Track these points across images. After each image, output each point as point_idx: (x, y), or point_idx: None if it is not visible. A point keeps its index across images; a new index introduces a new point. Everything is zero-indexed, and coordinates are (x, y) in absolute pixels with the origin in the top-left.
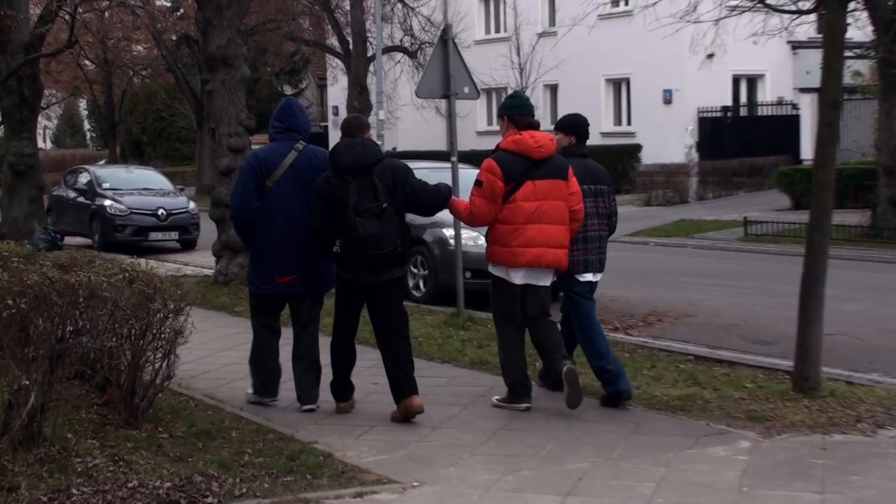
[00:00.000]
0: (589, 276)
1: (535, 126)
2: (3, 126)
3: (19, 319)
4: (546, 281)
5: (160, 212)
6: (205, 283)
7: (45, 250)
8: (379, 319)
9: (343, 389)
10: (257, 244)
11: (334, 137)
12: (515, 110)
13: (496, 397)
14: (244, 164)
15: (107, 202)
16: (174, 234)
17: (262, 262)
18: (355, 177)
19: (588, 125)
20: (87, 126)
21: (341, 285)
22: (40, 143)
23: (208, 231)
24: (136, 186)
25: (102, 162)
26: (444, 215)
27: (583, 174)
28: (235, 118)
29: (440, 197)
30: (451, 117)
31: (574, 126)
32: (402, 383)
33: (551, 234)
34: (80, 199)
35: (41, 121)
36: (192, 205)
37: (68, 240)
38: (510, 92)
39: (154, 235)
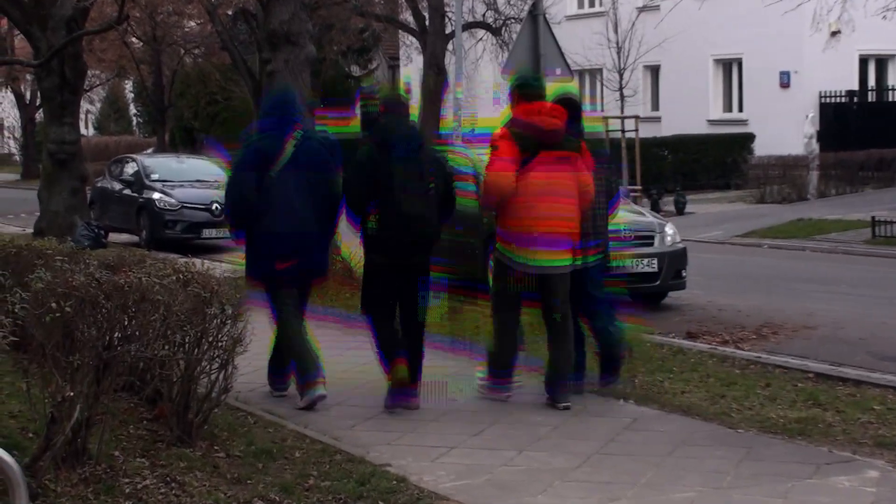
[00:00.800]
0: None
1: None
2: (42, 110)
3: (63, 324)
4: (562, 268)
5: (214, 206)
6: None
7: (89, 248)
8: (406, 303)
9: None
10: (258, 232)
11: None
12: (527, 88)
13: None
14: (242, 154)
15: (155, 195)
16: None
17: (262, 248)
18: (400, 154)
19: (578, 103)
20: (132, 110)
21: (370, 272)
22: (82, 130)
23: None
24: (187, 178)
25: (150, 150)
26: None
27: None
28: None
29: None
30: None
31: (563, 104)
32: (413, 371)
33: (562, 207)
34: (126, 191)
35: (83, 104)
36: None
37: (112, 236)
38: (604, 73)
39: (208, 232)
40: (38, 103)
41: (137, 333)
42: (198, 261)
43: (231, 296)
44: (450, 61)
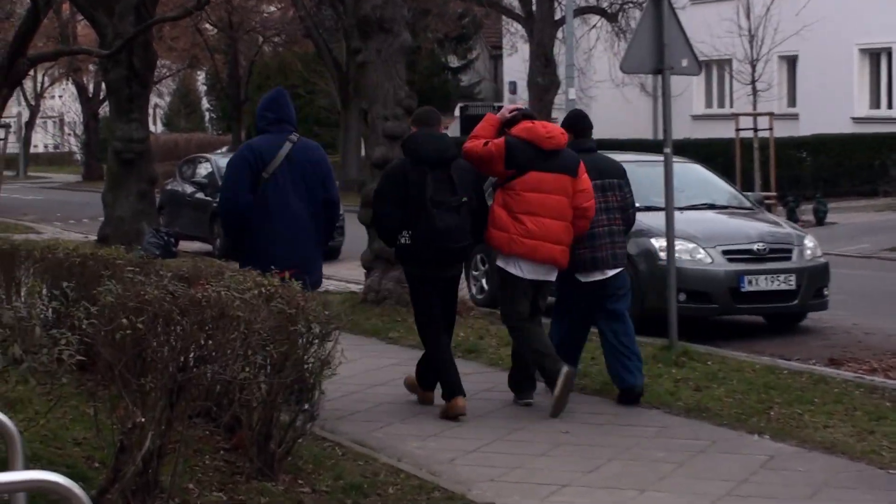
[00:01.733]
0: (597, 275)
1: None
2: (107, 105)
3: (134, 343)
4: (551, 275)
5: None
6: (351, 301)
7: (158, 257)
8: (444, 313)
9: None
10: (253, 239)
11: None
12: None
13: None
14: (236, 155)
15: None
16: None
17: (258, 256)
18: (432, 168)
19: (585, 118)
20: (205, 105)
21: (414, 282)
22: (150, 126)
23: (355, 237)
24: None
25: (224, 149)
26: (652, 220)
27: (589, 169)
28: (393, 97)
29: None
30: (664, 97)
31: (569, 122)
32: (454, 382)
33: (550, 229)
34: (199, 195)
35: (151, 98)
36: None
37: (183, 244)
38: (734, 64)
39: None
40: (102, 97)
41: (215, 354)
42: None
43: (319, 313)
44: (559, 51)
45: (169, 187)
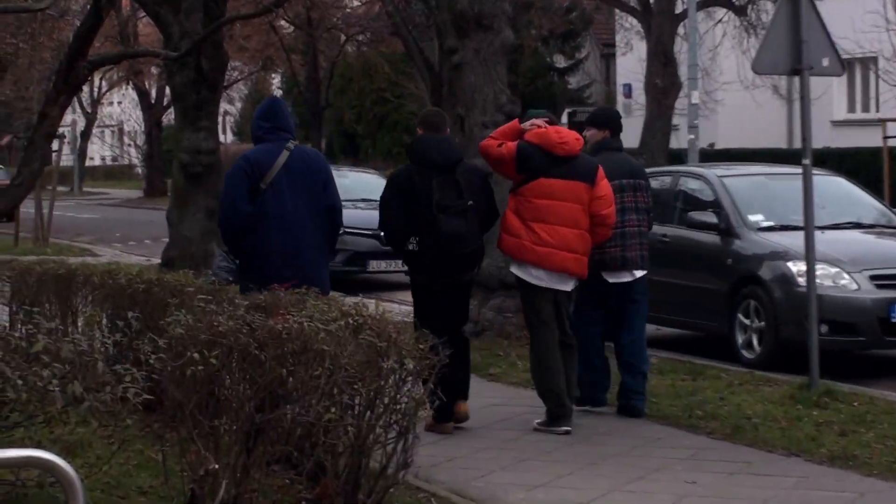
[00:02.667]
0: (626, 276)
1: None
2: (172, 112)
3: (207, 380)
4: (565, 285)
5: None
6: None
7: (231, 284)
8: (453, 321)
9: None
10: (252, 250)
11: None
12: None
13: (537, 421)
14: (233, 167)
15: None
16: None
17: (258, 268)
18: (438, 173)
19: (620, 118)
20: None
21: (417, 291)
22: (220, 136)
23: None
24: (350, 196)
25: None
26: (790, 240)
27: (620, 169)
28: (493, 102)
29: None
30: (802, 101)
31: (606, 119)
32: (455, 385)
33: (561, 236)
34: None
35: (221, 104)
36: None
37: None
38: (880, 63)
39: (376, 264)
40: (166, 103)
41: (297, 392)
42: (371, 302)
43: (412, 346)
44: (680, 49)
45: None
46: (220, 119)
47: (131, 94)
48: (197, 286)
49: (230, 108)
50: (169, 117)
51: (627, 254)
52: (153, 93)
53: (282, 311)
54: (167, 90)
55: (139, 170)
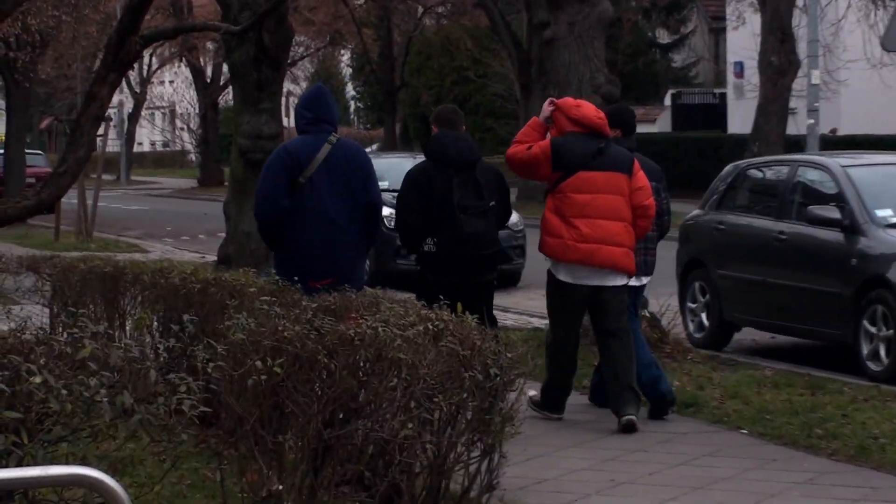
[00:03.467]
0: (633, 281)
1: None
2: (230, 92)
3: (270, 391)
4: (615, 280)
5: None
6: (536, 340)
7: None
8: None
9: None
10: (287, 245)
11: (737, 109)
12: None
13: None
14: (271, 159)
15: (386, 210)
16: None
17: (293, 263)
18: (457, 172)
19: (634, 116)
20: (350, 92)
21: (428, 293)
22: (283, 119)
23: (538, 258)
24: None
25: (374, 147)
26: None
27: None
28: (589, 82)
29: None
30: None
31: (618, 118)
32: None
33: (607, 230)
34: None
35: (285, 84)
36: (513, 217)
37: None
38: None
39: None
40: (223, 82)
41: (370, 406)
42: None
43: (499, 355)
44: (799, 23)
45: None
46: (283, 100)
47: (185, 72)
48: (258, 286)
49: (294, 89)
50: (227, 98)
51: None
52: (209, 71)
53: (353, 314)
54: (224, 68)
55: (193, 157)
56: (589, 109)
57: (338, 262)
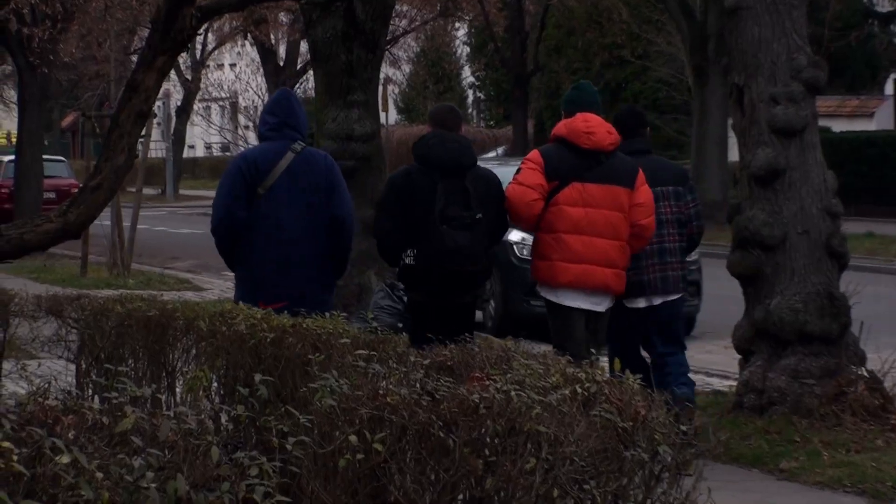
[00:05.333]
0: (641, 302)
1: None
2: (311, 79)
3: (370, 475)
4: (600, 305)
5: None
6: (718, 406)
7: (401, 332)
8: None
9: None
10: (243, 262)
11: None
12: (570, 105)
13: None
14: (230, 166)
15: (513, 235)
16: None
17: (246, 284)
18: (444, 177)
19: (639, 116)
20: (467, 78)
21: (416, 311)
22: (380, 115)
23: (721, 297)
24: None
25: (500, 150)
26: None
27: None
28: (787, 64)
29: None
30: None
31: (616, 120)
32: None
33: (599, 249)
34: None
35: (383, 69)
36: None
37: None
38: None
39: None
40: (301, 66)
41: (501, 494)
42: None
43: (669, 430)
44: None
45: None
46: (379, 89)
47: (250, 52)
48: (352, 335)
49: (395, 75)
50: (306, 87)
51: (643, 277)
52: (281, 51)
53: (478, 373)
54: (303, 47)
55: None
56: (600, 139)
57: (296, 284)
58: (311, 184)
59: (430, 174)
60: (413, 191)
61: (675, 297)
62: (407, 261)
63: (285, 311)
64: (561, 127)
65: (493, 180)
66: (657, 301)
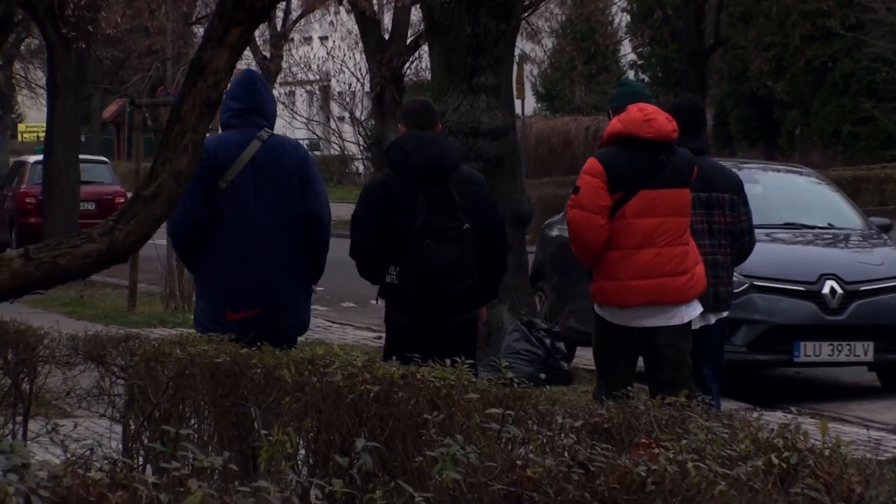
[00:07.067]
0: (695, 322)
1: None
2: (425, 59)
3: None
4: (678, 318)
5: (828, 287)
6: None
7: (542, 383)
8: None
9: None
10: (203, 267)
11: None
12: (618, 101)
13: None
14: None
15: None
16: (863, 349)
17: (209, 292)
18: (425, 185)
19: (698, 109)
20: (627, 55)
21: (393, 333)
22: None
23: None
24: (764, 218)
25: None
26: None
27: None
28: None
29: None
30: None
31: (679, 111)
32: None
33: (670, 259)
34: None
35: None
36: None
37: (581, 352)
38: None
39: (811, 349)
40: (412, 39)
41: None
42: (804, 420)
43: None
44: None
45: (556, 231)
46: (514, 71)
47: (346, 21)
48: (480, 388)
49: (532, 51)
50: (419, 66)
51: None
52: (387, 21)
53: (644, 439)
54: (415, 15)
55: (359, 164)
56: (660, 126)
57: (265, 289)
58: (279, 176)
59: (408, 183)
60: (391, 202)
61: (725, 314)
62: (389, 279)
63: (255, 323)
64: (615, 123)
65: (479, 182)
66: (712, 319)
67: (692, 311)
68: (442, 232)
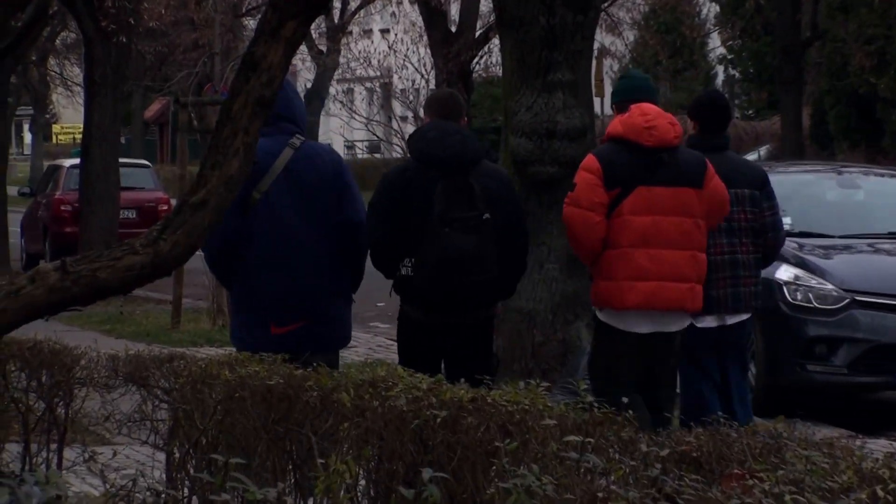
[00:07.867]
0: (709, 321)
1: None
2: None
3: None
4: (675, 325)
5: None
6: None
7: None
8: (458, 374)
9: None
10: (243, 280)
11: None
12: (621, 95)
13: None
14: None
15: (782, 271)
16: None
17: (249, 306)
18: (445, 175)
19: (723, 105)
20: (716, 49)
21: (406, 330)
22: (595, 103)
23: None
24: (870, 227)
25: (762, 151)
26: None
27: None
28: None
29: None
30: None
31: (698, 107)
32: None
33: (669, 263)
34: None
35: (598, 35)
36: None
37: None
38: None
39: None
40: (479, 34)
41: None
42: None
43: None
44: None
45: None
46: (593, 65)
47: (409, 13)
48: (557, 413)
49: (613, 44)
50: (489, 62)
51: (712, 292)
52: (454, 12)
53: (736, 469)
54: (485, 6)
55: None
56: (662, 133)
57: (308, 301)
58: (315, 183)
59: (428, 172)
60: (409, 190)
61: (746, 316)
62: (404, 271)
63: (298, 336)
64: (616, 124)
65: (503, 178)
66: (730, 321)
67: (684, 322)
68: (461, 221)
